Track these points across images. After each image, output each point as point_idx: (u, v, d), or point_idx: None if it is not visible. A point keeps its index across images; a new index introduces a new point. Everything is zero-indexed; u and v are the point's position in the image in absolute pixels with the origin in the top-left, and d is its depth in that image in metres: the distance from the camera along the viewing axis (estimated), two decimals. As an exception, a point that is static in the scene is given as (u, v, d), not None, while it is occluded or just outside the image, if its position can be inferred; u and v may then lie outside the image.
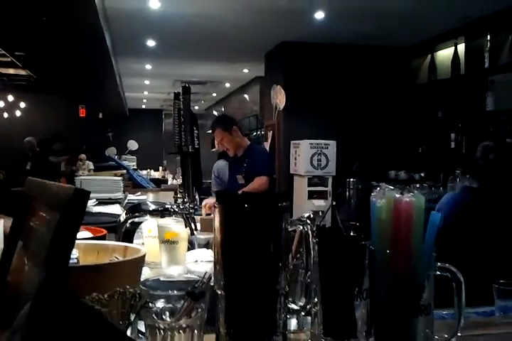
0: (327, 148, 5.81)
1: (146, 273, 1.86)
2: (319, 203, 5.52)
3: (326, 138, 5.85)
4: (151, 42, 6.08)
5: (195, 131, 1.89)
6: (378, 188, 0.79)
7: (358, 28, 5.33)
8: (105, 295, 0.81)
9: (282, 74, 6.31)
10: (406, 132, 6.27)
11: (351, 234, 0.87)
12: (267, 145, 6.77)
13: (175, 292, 0.82)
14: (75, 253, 1.06)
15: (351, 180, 5.63)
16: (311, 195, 5.71)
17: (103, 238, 1.21)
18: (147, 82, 9.76)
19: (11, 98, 11.71)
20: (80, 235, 1.26)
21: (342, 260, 0.85)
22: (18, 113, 12.31)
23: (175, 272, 1.81)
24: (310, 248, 0.89)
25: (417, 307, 0.72)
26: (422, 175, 5.48)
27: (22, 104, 12.10)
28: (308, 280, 0.93)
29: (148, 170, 9.18)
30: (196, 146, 1.87)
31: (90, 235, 1.24)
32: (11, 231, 0.82)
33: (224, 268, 0.83)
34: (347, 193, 5.67)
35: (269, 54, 6.74)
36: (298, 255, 1.02)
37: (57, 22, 5.43)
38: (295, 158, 6.06)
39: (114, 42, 5.96)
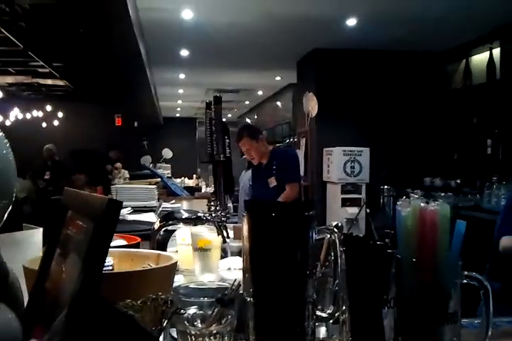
0: (360, 155, 5.79)
1: (180, 281, 1.90)
2: (353, 210, 5.49)
3: (359, 145, 5.83)
4: (184, 52, 6.17)
5: (227, 140, 1.92)
6: (404, 197, 0.80)
7: (391, 33, 5.31)
8: (138, 302, 0.84)
9: (314, 81, 6.31)
10: (441, 138, 6.19)
11: (386, 241, 0.89)
12: (300, 153, 6.78)
13: (206, 299, 0.85)
14: (110, 261, 1.09)
15: (385, 187, 5.58)
16: (345, 203, 5.69)
17: (137, 246, 1.25)
18: (181, 91, 9.90)
19: (49, 108, 12.00)
20: (115, 243, 1.29)
21: (369, 268, 0.86)
22: (56, 122, 12.61)
23: (208, 280, 1.83)
24: (337, 256, 0.90)
25: (444, 315, 0.72)
26: (458, 181, 5.39)
27: (60, 114, 12.40)
28: (336, 288, 0.94)
29: (183, 178, 9.27)
30: (228, 155, 1.90)
31: (125, 243, 1.28)
32: (49, 239, 0.86)
33: (252, 276, 0.85)
34: (381, 200, 5.63)
35: (301, 61, 6.75)
36: (326, 263, 1.03)
37: (93, 34, 5.58)
38: (328, 166, 6.04)
39: (148, 53, 6.08)
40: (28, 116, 12.11)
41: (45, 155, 8.92)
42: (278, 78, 8.38)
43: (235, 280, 0.89)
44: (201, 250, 1.86)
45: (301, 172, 6.46)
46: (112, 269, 1.08)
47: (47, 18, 6.21)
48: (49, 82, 10.18)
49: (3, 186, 0.67)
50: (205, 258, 1.82)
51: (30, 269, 0.90)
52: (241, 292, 0.86)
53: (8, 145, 0.71)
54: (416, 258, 0.75)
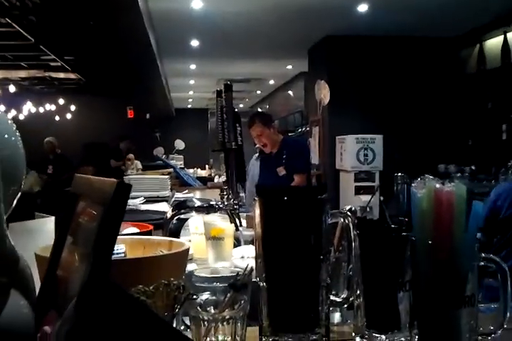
0: (373, 142, 5.75)
1: (193, 269, 1.90)
2: (366, 198, 5.42)
3: (372, 132, 5.79)
4: (194, 42, 6.15)
5: (238, 128, 1.91)
6: (419, 179, 0.78)
7: (403, 19, 5.24)
8: (150, 287, 0.83)
9: (326, 69, 6.27)
10: (455, 124, 6.12)
11: (401, 225, 0.87)
12: (313, 141, 6.75)
13: (218, 284, 0.84)
14: (122, 248, 1.09)
15: (399, 174, 5.54)
16: (358, 191, 5.67)
17: (149, 233, 1.24)
18: (192, 82, 9.88)
19: (61, 101, 12.07)
20: (127, 231, 1.29)
21: (383, 252, 0.84)
22: (68, 115, 12.68)
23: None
24: (351, 240, 0.89)
25: (461, 298, 0.71)
26: (473, 168, 5.34)
27: (72, 107, 12.46)
28: (351, 272, 0.93)
29: (195, 168, 9.29)
30: (239, 143, 1.89)
31: (137, 231, 1.28)
32: (60, 227, 0.86)
33: (265, 261, 0.84)
34: (395, 188, 5.59)
35: (312, 49, 6.70)
36: (340, 248, 1.02)
37: (103, 26, 5.57)
38: (341, 154, 6.02)
39: (158, 44, 6.07)
40: (41, 109, 12.19)
41: (46, 148, 8.67)
42: (289, 67, 8.33)
43: (248, 265, 0.88)
44: (214, 239, 1.86)
45: (315, 161, 6.47)
46: (125, 256, 1.07)
47: (57, 12, 6.21)
48: (61, 75, 10.23)
49: (11, 173, 0.66)
50: (218, 246, 1.82)
51: (41, 257, 0.90)
52: (254, 279, 0.86)
53: (17, 133, 0.71)
54: (432, 240, 0.73)
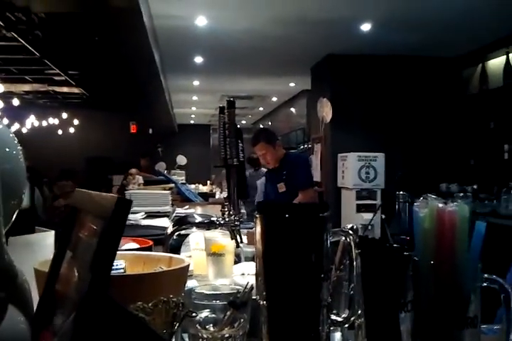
0: (375, 160, 5.75)
1: (193, 286, 1.88)
2: (368, 216, 5.44)
3: (374, 150, 5.79)
4: (198, 59, 6.19)
5: (240, 145, 1.91)
6: (421, 198, 0.77)
7: (406, 38, 5.27)
8: (149, 304, 0.83)
9: (328, 87, 6.29)
10: (457, 144, 6.13)
11: (402, 244, 0.86)
12: (314, 159, 6.75)
13: (218, 302, 0.83)
14: (121, 264, 1.08)
15: (401, 193, 5.53)
16: (360, 209, 5.65)
17: (149, 249, 1.23)
18: (195, 98, 9.93)
19: (65, 115, 12.12)
20: (127, 246, 1.28)
21: (385, 271, 0.84)
22: (71, 130, 12.73)
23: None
24: (353, 259, 0.88)
25: (463, 319, 0.70)
26: (475, 187, 5.32)
27: (75, 121, 12.51)
28: (352, 292, 0.92)
29: (197, 184, 9.28)
30: (241, 159, 1.89)
31: (137, 246, 1.27)
32: (59, 242, 0.85)
33: (266, 279, 0.83)
34: (397, 206, 5.57)
35: (315, 67, 6.74)
36: (341, 266, 1.01)
37: (108, 41, 5.62)
38: (342, 171, 6.01)
39: (162, 60, 6.10)
40: (44, 123, 12.24)
41: None
42: (292, 84, 8.37)
43: (248, 283, 0.87)
44: (215, 255, 1.85)
45: (317, 178, 6.46)
46: (124, 272, 1.07)
47: (62, 27, 6.28)
48: (65, 89, 10.29)
49: (11, 186, 0.66)
50: (219, 263, 1.81)
51: (40, 271, 0.89)
52: (254, 296, 0.85)
53: (19, 147, 0.71)
54: (434, 260, 0.73)
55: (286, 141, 11.27)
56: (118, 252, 1.18)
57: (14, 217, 0.71)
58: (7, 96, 9.89)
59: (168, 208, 3.58)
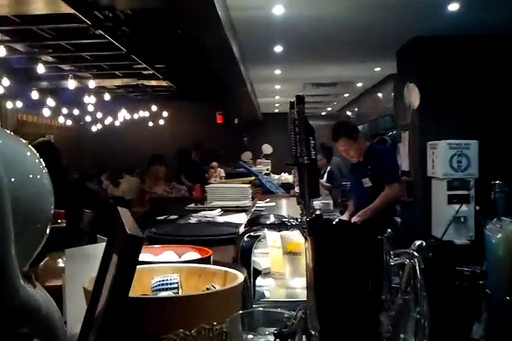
0: (468, 148, 5.46)
1: (270, 285, 1.84)
2: (461, 208, 5.17)
3: (466, 137, 5.49)
4: (278, 48, 6.13)
5: (312, 141, 1.82)
6: (494, 220, 0.66)
7: (496, 17, 4.90)
8: (192, 331, 0.77)
9: (415, 71, 6.01)
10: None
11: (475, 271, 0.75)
12: (402, 147, 6.50)
13: (265, 331, 0.76)
14: (176, 278, 1.05)
15: (497, 182, 5.20)
16: (451, 200, 5.39)
17: (208, 259, 1.19)
18: (278, 87, 9.88)
19: (154, 108, 12.52)
20: (186, 256, 1.25)
21: (453, 301, 0.73)
22: (161, 122, 13.13)
23: (298, 284, 1.76)
24: (417, 285, 0.78)
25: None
26: None
27: (165, 113, 12.89)
28: (418, 315, 0.82)
29: (283, 173, 9.24)
30: (313, 157, 1.81)
31: (197, 256, 1.23)
32: (101, 262, 0.82)
33: (318, 308, 0.75)
34: (492, 197, 5.25)
35: (401, 51, 6.46)
36: (408, 288, 0.90)
37: (189, 34, 5.69)
38: (432, 160, 5.75)
39: (242, 51, 6.10)
40: (136, 116, 12.72)
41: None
42: (377, 69, 8.10)
43: (299, 310, 0.80)
44: (291, 254, 1.80)
45: (405, 168, 6.21)
46: (178, 287, 1.03)
47: (147, 22, 6.44)
48: (153, 83, 10.63)
49: (35, 211, 0.63)
50: (295, 262, 1.76)
51: (87, 291, 0.87)
52: (304, 323, 0.77)
53: (45, 170, 0.68)
54: (510, 296, 0.61)
55: (374, 128, 10.97)
56: (175, 264, 1.15)
57: (43, 241, 0.67)
58: (99, 91, 10.36)
59: (247, 202, 3.56)
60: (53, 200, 0.67)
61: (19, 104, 9.75)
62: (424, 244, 0.88)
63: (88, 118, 12.08)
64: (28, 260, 0.65)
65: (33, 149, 0.69)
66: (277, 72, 7.99)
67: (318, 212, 1.87)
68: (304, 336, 0.75)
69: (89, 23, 5.71)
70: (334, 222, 0.81)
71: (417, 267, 0.78)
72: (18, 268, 0.58)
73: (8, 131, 0.68)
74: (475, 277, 0.71)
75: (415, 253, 0.80)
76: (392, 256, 0.78)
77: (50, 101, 9.45)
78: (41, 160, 0.68)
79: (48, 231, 0.68)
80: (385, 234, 0.76)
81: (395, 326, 0.79)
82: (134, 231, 0.53)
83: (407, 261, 0.80)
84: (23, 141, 0.69)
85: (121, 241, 0.59)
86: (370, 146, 4.05)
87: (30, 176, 0.65)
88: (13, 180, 0.60)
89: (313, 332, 0.76)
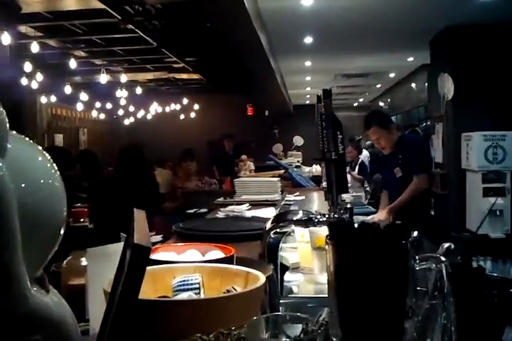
0: (504, 139, 5.34)
1: (299, 280, 1.82)
2: (496, 201, 5.05)
3: (502, 128, 5.37)
4: (308, 39, 6.07)
5: (339, 136, 1.79)
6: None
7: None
8: (210, 336, 0.76)
9: (449, 61, 5.87)
10: None
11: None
12: (436, 139, 6.37)
13: (284, 339, 0.74)
14: (197, 278, 1.03)
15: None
16: (487, 192, 5.28)
17: (231, 259, 1.17)
18: (308, 78, 9.80)
19: (185, 101, 12.56)
20: (209, 255, 1.23)
21: (482, 309, 0.69)
22: (192, 114, 13.18)
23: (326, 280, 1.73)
24: (444, 291, 0.74)
25: None
26: None
27: (196, 106, 12.93)
28: (444, 321, 0.79)
29: (314, 165, 9.16)
30: (340, 152, 1.77)
31: (220, 254, 1.21)
32: (118, 266, 0.81)
33: (340, 315, 0.72)
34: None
35: (434, 40, 6.31)
36: (435, 293, 0.87)
37: (217, 27, 5.67)
38: (467, 152, 5.63)
39: (272, 42, 6.05)
40: (167, 109, 12.81)
41: None
42: (410, 59, 7.94)
43: (319, 315, 0.77)
44: (320, 249, 1.78)
45: (439, 160, 6.08)
46: (199, 287, 1.01)
47: (176, 16, 6.45)
48: (184, 76, 10.67)
49: (45, 215, 0.62)
50: (324, 257, 1.72)
51: (107, 292, 0.87)
52: (325, 329, 0.74)
53: (57, 173, 0.67)
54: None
55: (407, 119, 10.79)
56: (197, 264, 1.13)
57: (56, 244, 0.66)
58: (132, 85, 10.45)
59: (276, 196, 3.53)
60: (65, 203, 0.66)
61: (53, 98, 9.92)
62: (452, 246, 0.84)
63: (121, 112, 12.21)
64: (41, 264, 0.65)
65: (45, 153, 0.68)
66: (307, 63, 7.91)
67: (348, 206, 1.83)
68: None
69: (119, 17, 5.75)
70: (356, 225, 0.78)
71: (444, 272, 0.75)
72: (26, 274, 0.57)
73: (19, 135, 0.67)
74: (506, 284, 0.67)
75: (442, 258, 0.76)
76: (417, 261, 0.74)
77: (83, 96, 9.58)
78: (53, 163, 0.68)
79: (61, 233, 0.67)
80: (410, 238, 0.72)
81: (421, 332, 0.76)
82: (142, 240, 0.52)
83: (434, 265, 0.77)
84: (34, 143, 0.68)
85: (129, 246, 0.57)
86: (401, 136, 3.98)
87: (42, 181, 0.64)
88: (23, 185, 0.59)
89: (334, 339, 0.73)
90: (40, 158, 0.66)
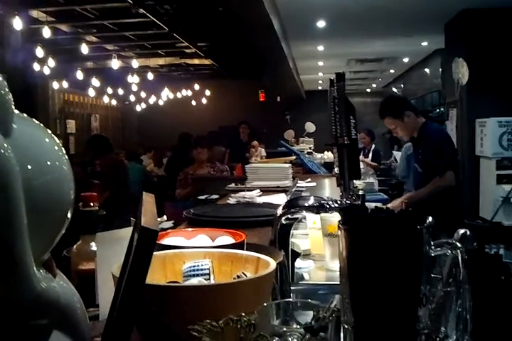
0: (519, 126, 5.26)
1: (310, 267, 1.82)
2: (510, 188, 5.00)
3: (517, 114, 5.28)
4: (321, 23, 6.00)
5: (352, 121, 1.76)
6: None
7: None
8: (220, 322, 0.74)
9: (464, 45, 5.78)
10: None
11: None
12: (450, 124, 6.30)
13: (294, 326, 0.72)
14: (207, 264, 1.02)
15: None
16: (501, 179, 5.24)
17: (241, 245, 1.16)
18: (321, 63, 9.71)
19: (197, 87, 12.51)
20: (220, 240, 1.22)
21: (497, 296, 0.67)
22: (204, 100, 13.14)
23: (338, 267, 1.73)
24: (459, 278, 0.72)
25: None
26: None
27: (207, 92, 12.88)
28: (459, 309, 0.77)
29: (326, 152, 9.11)
30: (353, 137, 1.74)
31: (231, 241, 1.20)
32: (127, 250, 0.80)
33: (352, 302, 0.71)
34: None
35: (448, 24, 6.21)
36: (450, 280, 0.85)
37: (230, 11, 5.61)
38: (481, 139, 5.58)
39: (284, 27, 6.00)
40: (179, 95, 12.77)
41: None
42: (424, 43, 7.82)
43: (331, 302, 0.76)
44: (331, 236, 1.77)
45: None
46: (209, 273, 1.00)
47: (188, 0, 6.39)
48: (196, 61, 10.61)
49: (53, 198, 0.61)
50: (336, 244, 1.71)
51: (116, 277, 0.86)
52: (336, 316, 0.73)
53: (64, 156, 0.65)
54: None
55: (421, 104, 10.67)
56: (207, 250, 1.12)
57: (63, 228, 0.66)
58: (143, 70, 10.42)
59: (288, 183, 3.51)
60: (73, 186, 0.65)
61: (65, 84, 9.93)
62: (468, 233, 0.82)
63: (132, 98, 12.20)
64: (47, 248, 0.64)
65: (53, 135, 0.67)
66: (320, 48, 7.83)
67: (360, 193, 1.81)
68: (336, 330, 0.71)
69: (130, 1, 5.70)
70: (370, 210, 0.76)
71: (460, 258, 0.73)
72: (32, 259, 0.56)
73: (25, 115, 0.65)
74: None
75: (458, 244, 0.74)
76: (432, 247, 0.72)
77: (95, 81, 9.57)
78: (61, 145, 0.66)
79: (68, 217, 0.66)
80: (425, 223, 0.70)
81: (435, 320, 0.74)
82: (149, 223, 0.50)
83: (449, 252, 0.75)
84: (41, 125, 0.66)
85: (136, 230, 0.56)
86: (426, 124, 3.65)
87: (48, 163, 0.62)
88: (29, 167, 0.58)
89: (346, 326, 0.72)
90: (47, 140, 0.65)
